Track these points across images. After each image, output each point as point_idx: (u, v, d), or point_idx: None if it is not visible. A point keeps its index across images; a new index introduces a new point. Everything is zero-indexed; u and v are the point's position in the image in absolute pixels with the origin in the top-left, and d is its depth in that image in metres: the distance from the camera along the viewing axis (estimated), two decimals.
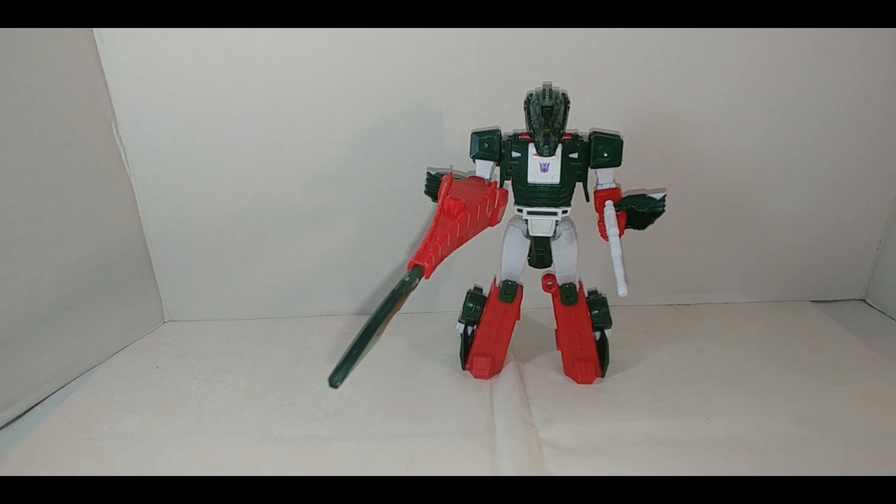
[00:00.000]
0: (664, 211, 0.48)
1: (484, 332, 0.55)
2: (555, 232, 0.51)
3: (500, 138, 0.50)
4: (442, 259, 0.39)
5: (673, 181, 0.62)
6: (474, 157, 0.50)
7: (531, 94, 0.47)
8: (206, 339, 0.65)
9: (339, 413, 0.51)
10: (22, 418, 0.52)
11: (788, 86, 0.59)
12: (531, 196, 0.49)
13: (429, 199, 0.53)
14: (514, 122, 0.52)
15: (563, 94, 0.46)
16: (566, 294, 0.53)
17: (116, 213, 0.61)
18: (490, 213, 0.46)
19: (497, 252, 0.53)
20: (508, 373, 0.56)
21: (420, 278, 0.37)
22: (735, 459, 0.44)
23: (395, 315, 0.35)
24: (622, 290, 0.43)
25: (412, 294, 0.37)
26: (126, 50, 0.56)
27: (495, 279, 0.56)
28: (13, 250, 0.50)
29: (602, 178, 0.50)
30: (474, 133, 0.50)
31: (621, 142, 0.48)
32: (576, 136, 0.49)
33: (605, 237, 0.46)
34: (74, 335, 0.57)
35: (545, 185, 0.48)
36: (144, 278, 0.66)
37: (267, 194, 0.63)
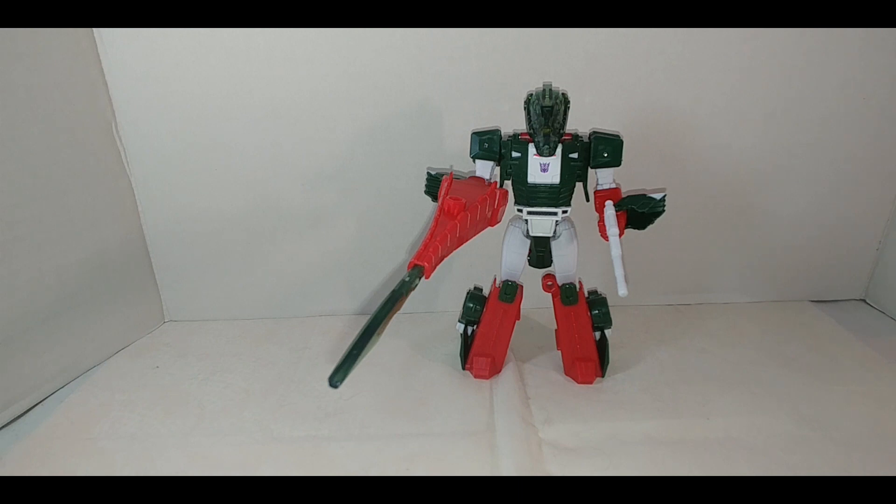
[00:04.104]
0: (664, 211, 0.48)
1: (484, 332, 0.55)
2: (555, 232, 0.51)
3: (500, 138, 0.50)
4: (442, 259, 0.39)
5: (673, 181, 0.62)
6: (474, 157, 0.50)
7: (531, 94, 0.47)
8: (206, 339, 0.65)
9: (339, 413, 0.51)
10: (22, 418, 0.52)
11: (788, 86, 0.59)
12: (531, 196, 0.49)
13: (429, 199, 0.53)
14: (514, 122, 0.52)
15: (563, 94, 0.46)
16: (566, 294, 0.53)
17: (116, 213, 0.61)
18: (490, 213, 0.46)
19: (497, 252, 0.53)
20: (508, 373, 0.56)
21: (420, 278, 0.37)
22: (735, 459, 0.44)
23: (395, 315, 0.35)
24: (622, 290, 0.43)
25: (412, 294, 0.37)
26: (126, 50, 0.56)
27: (495, 279, 0.56)
28: (13, 250, 0.50)
29: (602, 178, 0.50)
30: (474, 133, 0.50)
31: (621, 142, 0.48)
32: (576, 136, 0.49)
33: (605, 237, 0.46)
34: (74, 335, 0.57)
35: (545, 185, 0.48)
36: (144, 278, 0.66)
37: (267, 194, 0.63)
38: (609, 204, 0.47)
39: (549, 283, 0.54)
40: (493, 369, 0.56)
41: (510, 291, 0.53)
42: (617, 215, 0.47)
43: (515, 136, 0.49)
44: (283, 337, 0.65)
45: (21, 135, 0.50)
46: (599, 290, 0.57)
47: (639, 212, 0.48)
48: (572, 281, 0.53)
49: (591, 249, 0.56)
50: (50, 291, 0.54)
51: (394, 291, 0.36)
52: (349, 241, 0.66)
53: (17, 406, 0.52)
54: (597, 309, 0.54)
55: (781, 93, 0.59)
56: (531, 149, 0.48)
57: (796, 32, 0.57)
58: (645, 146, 0.60)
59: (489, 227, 0.47)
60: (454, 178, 0.47)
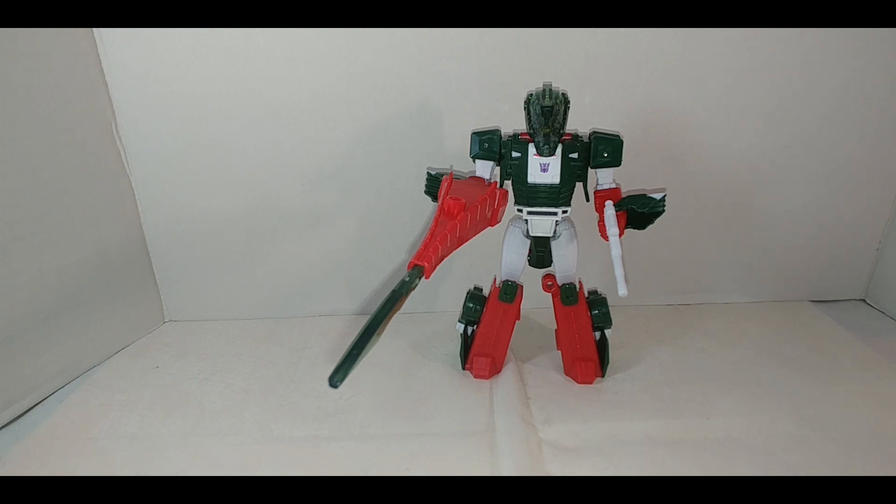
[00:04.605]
0: (664, 211, 0.48)
1: (484, 332, 0.55)
2: (555, 232, 0.51)
3: (500, 138, 0.50)
4: (442, 259, 0.39)
5: (673, 181, 0.62)
6: (474, 157, 0.50)
7: (531, 94, 0.47)
8: (206, 339, 0.65)
9: (339, 413, 0.51)
10: (22, 418, 0.52)
11: (788, 86, 0.59)
12: (531, 196, 0.49)
13: (429, 199, 0.53)
14: (514, 122, 0.52)
15: (563, 94, 0.46)
16: (566, 294, 0.53)
17: (116, 213, 0.61)
18: (490, 213, 0.46)
19: (497, 252, 0.53)
20: (508, 373, 0.56)
21: (420, 278, 0.37)
22: (735, 459, 0.45)
23: (395, 315, 0.35)
24: (622, 290, 0.43)
25: (412, 294, 0.37)
26: (126, 50, 0.56)
27: (495, 279, 0.56)
28: (13, 250, 0.50)
29: (602, 178, 0.50)
30: (474, 133, 0.50)
31: (621, 142, 0.48)
32: (576, 136, 0.49)
33: (605, 237, 0.46)
34: (74, 335, 0.57)
35: (545, 185, 0.48)
36: (144, 278, 0.66)
37: (267, 194, 0.63)
38: (609, 204, 0.47)
39: (549, 283, 0.54)
40: (493, 369, 0.56)
41: (510, 291, 0.53)
42: (617, 215, 0.47)
43: (515, 136, 0.49)
44: (283, 337, 0.65)
45: (21, 135, 0.50)
46: (599, 290, 0.57)
47: (639, 212, 0.48)
48: (572, 281, 0.53)
49: (591, 249, 0.56)
50: (50, 291, 0.54)
51: (394, 291, 0.36)
52: (349, 241, 0.66)
53: (17, 406, 0.52)
54: (597, 309, 0.54)
55: (781, 93, 0.59)
56: (531, 149, 0.48)
57: (796, 32, 0.57)
58: (645, 146, 0.60)
59: (489, 227, 0.47)
60: (454, 178, 0.47)
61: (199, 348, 0.63)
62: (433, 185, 0.52)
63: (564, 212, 0.49)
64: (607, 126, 0.54)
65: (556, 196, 0.48)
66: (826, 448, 0.46)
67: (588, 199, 0.51)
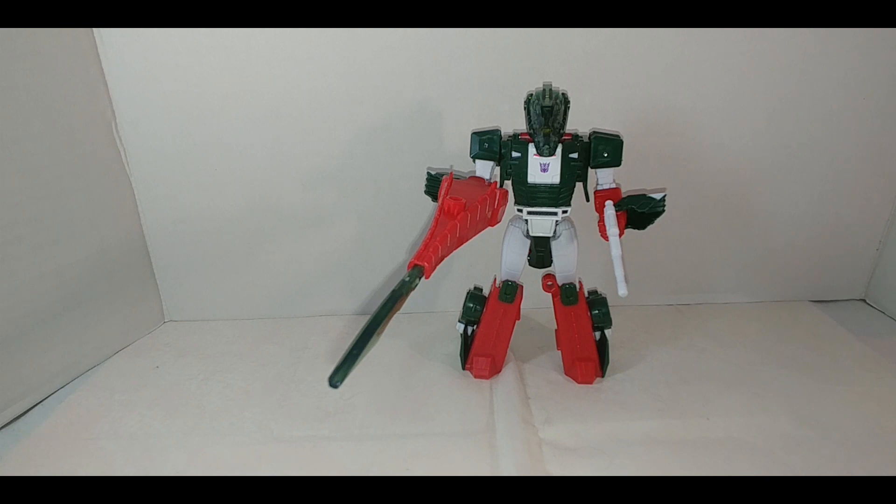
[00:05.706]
0: (664, 211, 0.48)
1: (484, 332, 0.55)
2: (555, 232, 0.51)
3: (500, 138, 0.50)
4: (442, 259, 0.39)
5: (673, 181, 0.62)
6: (474, 157, 0.50)
7: (531, 94, 0.47)
8: (206, 339, 0.65)
9: (339, 413, 0.51)
10: (22, 418, 0.52)
11: (788, 86, 0.59)
12: (531, 196, 0.49)
13: (429, 199, 0.53)
14: (514, 122, 0.52)
15: (563, 94, 0.46)
16: (566, 294, 0.53)
17: (116, 213, 0.61)
18: (490, 213, 0.46)
19: (497, 252, 0.53)
20: (508, 373, 0.56)
21: (420, 278, 0.37)
22: (735, 459, 0.44)
23: (395, 315, 0.35)
24: (622, 290, 0.43)
25: (412, 294, 0.37)
26: (126, 50, 0.56)
27: (495, 279, 0.56)
28: (13, 250, 0.50)
29: (602, 178, 0.50)
30: (474, 133, 0.50)
31: (621, 142, 0.48)
32: (576, 136, 0.49)
33: (605, 237, 0.46)
34: (74, 335, 0.57)
35: (545, 185, 0.48)
36: (144, 278, 0.66)
37: (267, 194, 0.63)
38: (609, 204, 0.47)
39: (549, 283, 0.54)
40: (493, 369, 0.56)
41: (510, 291, 0.53)
42: (617, 215, 0.47)
43: (515, 136, 0.49)
44: (283, 337, 0.65)
45: (21, 135, 0.50)
46: (599, 290, 0.57)
47: (639, 212, 0.48)
48: (572, 281, 0.53)
49: (591, 249, 0.56)
50: (50, 291, 0.54)
51: (394, 291, 0.36)
52: (349, 241, 0.66)
53: (17, 406, 0.52)
54: (597, 309, 0.54)
55: (781, 93, 0.59)
56: (531, 149, 0.48)
57: (796, 32, 0.57)
58: (645, 146, 0.60)
59: (489, 227, 0.47)
60: (454, 178, 0.47)
61: (199, 348, 0.63)
62: (433, 185, 0.52)
63: (564, 212, 0.49)
64: (607, 126, 0.54)
65: (556, 196, 0.48)
66: (825, 448, 0.46)
67: (588, 199, 0.51)
